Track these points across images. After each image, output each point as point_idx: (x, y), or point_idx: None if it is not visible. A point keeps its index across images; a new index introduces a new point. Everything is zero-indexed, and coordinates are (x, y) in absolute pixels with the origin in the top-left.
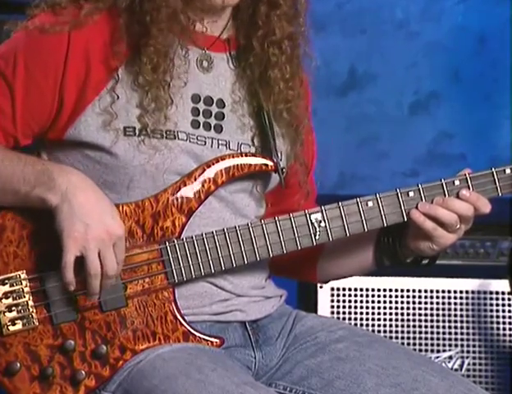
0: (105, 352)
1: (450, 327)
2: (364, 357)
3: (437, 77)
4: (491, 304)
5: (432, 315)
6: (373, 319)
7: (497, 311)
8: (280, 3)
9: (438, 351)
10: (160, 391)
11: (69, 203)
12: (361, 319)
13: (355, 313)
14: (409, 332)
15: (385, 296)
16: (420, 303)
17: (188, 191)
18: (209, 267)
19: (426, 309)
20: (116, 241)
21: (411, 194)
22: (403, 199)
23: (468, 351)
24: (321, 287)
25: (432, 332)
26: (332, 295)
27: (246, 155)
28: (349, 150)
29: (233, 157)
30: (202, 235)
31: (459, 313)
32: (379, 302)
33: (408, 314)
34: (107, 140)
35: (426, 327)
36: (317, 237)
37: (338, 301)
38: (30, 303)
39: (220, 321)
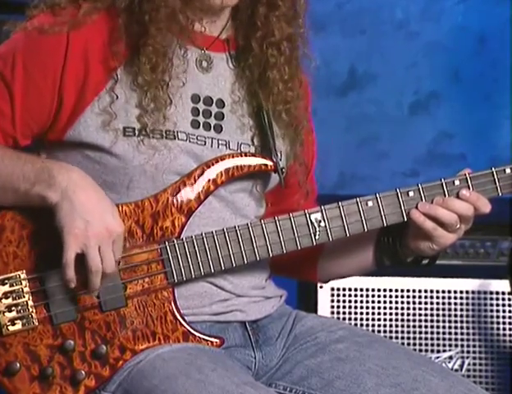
0: (105, 352)
1: (450, 327)
2: (364, 357)
3: (437, 77)
4: (491, 305)
5: (432, 315)
6: (373, 319)
7: (497, 311)
8: (279, 4)
9: (438, 351)
10: (160, 391)
11: (69, 200)
12: (361, 319)
13: (355, 313)
14: (409, 332)
15: (385, 296)
16: (420, 303)
17: (188, 191)
18: (209, 267)
19: (426, 309)
20: (116, 239)
21: (411, 194)
22: (403, 198)
23: (468, 351)
24: (321, 287)
25: (432, 332)
26: (332, 295)
27: (246, 155)
28: (349, 150)
29: (233, 157)
30: (201, 235)
31: (459, 313)
32: (379, 302)
33: (408, 314)
34: (107, 141)
35: (426, 327)
36: (316, 237)
37: (338, 301)
38: (30, 303)
39: (220, 321)
